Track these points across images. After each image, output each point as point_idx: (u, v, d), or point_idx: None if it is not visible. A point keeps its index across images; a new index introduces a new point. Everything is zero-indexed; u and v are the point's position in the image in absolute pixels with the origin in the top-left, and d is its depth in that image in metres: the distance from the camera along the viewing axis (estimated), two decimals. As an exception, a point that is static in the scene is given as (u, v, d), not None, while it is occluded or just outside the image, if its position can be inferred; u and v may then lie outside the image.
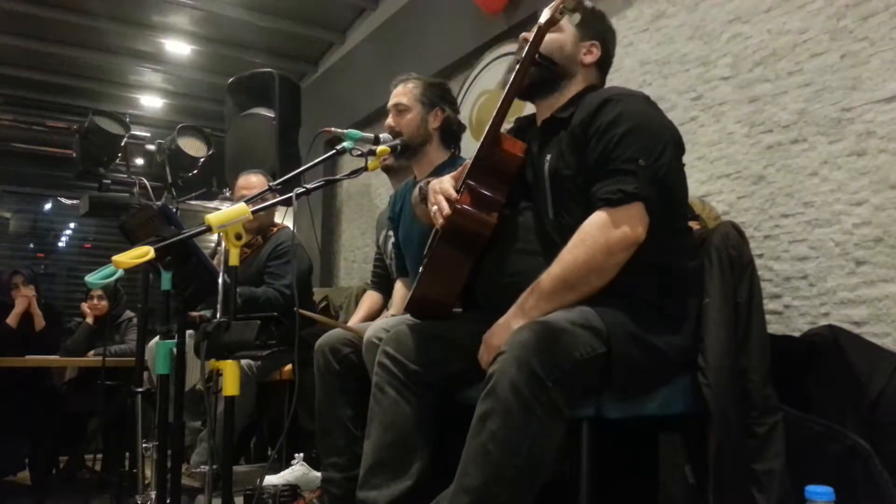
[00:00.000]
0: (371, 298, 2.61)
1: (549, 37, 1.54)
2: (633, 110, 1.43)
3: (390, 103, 2.21)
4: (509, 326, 1.35)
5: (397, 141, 2.09)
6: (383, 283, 2.60)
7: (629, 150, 1.38)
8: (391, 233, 2.54)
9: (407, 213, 2.21)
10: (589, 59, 1.59)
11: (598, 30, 1.61)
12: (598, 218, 1.37)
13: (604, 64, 1.64)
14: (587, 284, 1.37)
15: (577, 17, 1.55)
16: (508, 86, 1.50)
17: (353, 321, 2.54)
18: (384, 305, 2.58)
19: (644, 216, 1.37)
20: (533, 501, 1.25)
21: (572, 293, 1.37)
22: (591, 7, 1.63)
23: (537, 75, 1.55)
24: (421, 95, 2.16)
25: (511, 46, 3.08)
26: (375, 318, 2.47)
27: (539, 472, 1.25)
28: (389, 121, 2.18)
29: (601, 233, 1.35)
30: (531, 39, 1.47)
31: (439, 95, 2.19)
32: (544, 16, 1.44)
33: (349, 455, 1.93)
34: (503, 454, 1.21)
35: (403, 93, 2.18)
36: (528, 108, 1.70)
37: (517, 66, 1.50)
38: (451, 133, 2.22)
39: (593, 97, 1.49)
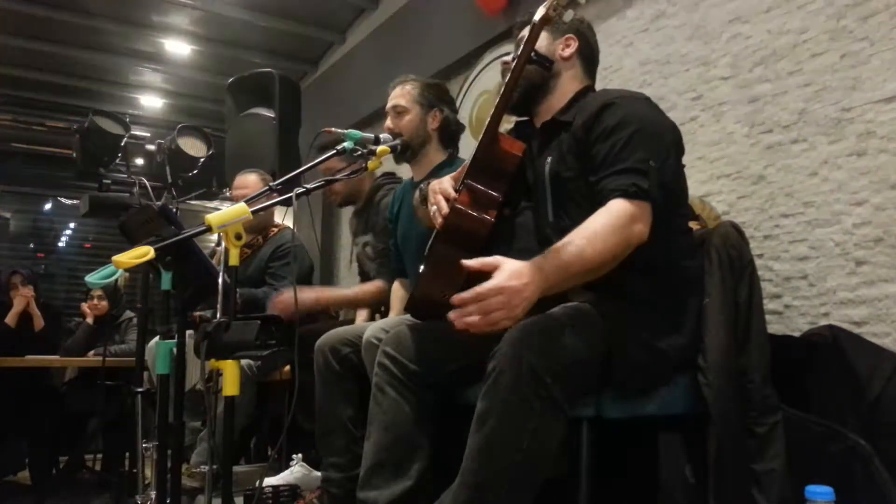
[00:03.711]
0: None
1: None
2: (637, 113, 1.43)
3: (388, 105, 2.21)
4: (528, 294, 1.21)
5: (397, 141, 2.09)
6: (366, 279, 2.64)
7: (638, 151, 1.37)
8: (359, 238, 2.61)
9: (406, 214, 2.21)
10: (568, 51, 1.58)
11: (567, 24, 1.58)
12: (623, 206, 1.32)
13: (587, 55, 1.62)
14: (603, 271, 1.32)
15: (570, 13, 1.54)
16: (505, 84, 1.50)
17: (359, 319, 2.56)
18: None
19: (650, 217, 1.36)
20: (533, 497, 1.25)
21: (592, 276, 1.32)
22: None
23: (525, 82, 1.54)
24: (419, 97, 2.17)
25: (511, 47, 3.08)
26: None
27: (539, 469, 1.25)
28: (388, 123, 2.18)
29: (628, 224, 1.31)
30: (526, 37, 1.47)
31: (437, 96, 2.19)
32: (539, 13, 1.44)
33: (349, 455, 1.93)
34: (503, 450, 1.22)
35: (402, 94, 2.18)
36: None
37: (513, 65, 1.50)
38: (449, 133, 2.23)
39: (594, 99, 1.49)
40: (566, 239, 1.29)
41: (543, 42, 1.56)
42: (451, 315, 1.17)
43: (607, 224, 1.31)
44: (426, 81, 2.25)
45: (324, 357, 2.00)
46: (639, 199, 1.33)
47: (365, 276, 2.70)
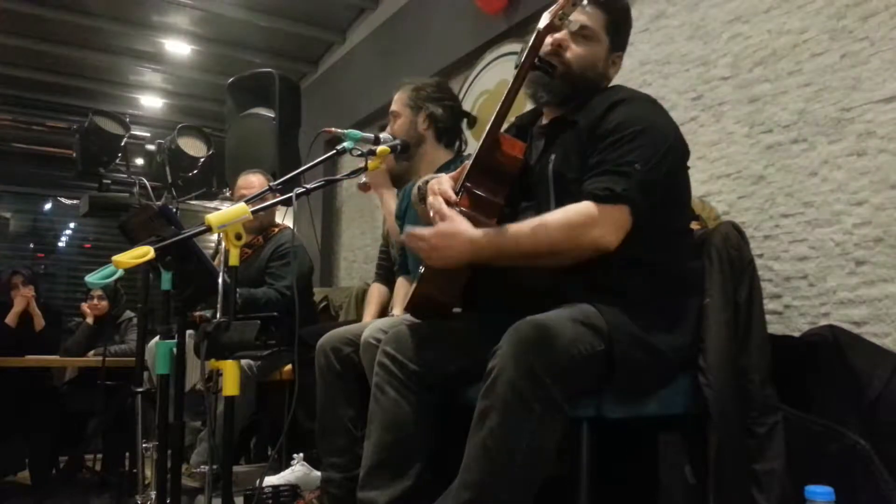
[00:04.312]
0: (379, 291, 2.66)
1: (584, 49, 1.53)
2: (638, 115, 1.43)
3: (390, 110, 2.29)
4: (451, 254, 1.40)
5: (397, 141, 2.10)
6: (388, 276, 2.66)
7: (629, 154, 1.38)
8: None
9: (412, 213, 2.22)
10: (613, 71, 1.61)
11: (626, 36, 1.61)
12: (586, 208, 1.36)
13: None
14: (544, 261, 1.39)
15: (576, 23, 1.54)
16: (508, 89, 1.49)
17: (367, 316, 2.56)
18: (391, 297, 2.61)
19: (626, 220, 1.36)
20: (533, 497, 1.25)
21: (531, 262, 1.40)
22: (620, 6, 1.59)
23: (567, 89, 1.53)
24: (408, 100, 2.24)
25: (511, 46, 3.08)
26: (387, 310, 2.55)
27: (539, 469, 1.25)
28: (388, 128, 2.26)
29: (583, 228, 1.34)
30: (530, 43, 1.47)
31: (425, 97, 2.25)
32: (543, 20, 1.44)
33: (350, 455, 1.93)
34: (502, 450, 1.22)
35: (397, 99, 2.27)
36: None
37: (517, 71, 1.50)
38: (444, 130, 2.25)
39: (601, 99, 1.49)
40: (521, 222, 1.38)
41: (604, 52, 1.56)
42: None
43: (556, 219, 1.37)
44: (417, 84, 2.30)
45: (325, 357, 2.00)
46: (608, 202, 1.35)
47: (386, 259, 2.71)
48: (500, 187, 1.52)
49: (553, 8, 1.42)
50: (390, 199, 2.46)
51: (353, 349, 1.96)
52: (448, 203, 1.50)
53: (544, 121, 1.64)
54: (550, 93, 1.54)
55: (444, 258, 1.41)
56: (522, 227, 1.38)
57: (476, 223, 1.48)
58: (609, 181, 1.36)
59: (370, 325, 1.88)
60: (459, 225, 1.40)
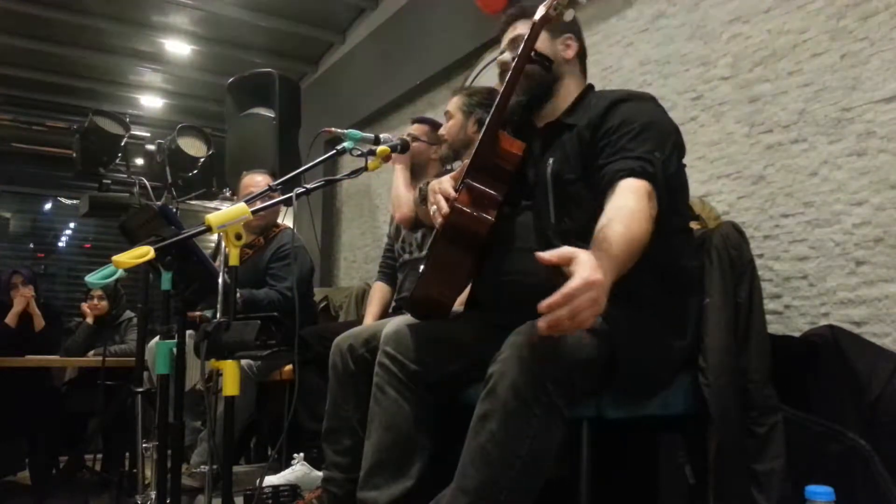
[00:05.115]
0: (382, 290, 2.67)
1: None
2: (644, 110, 1.44)
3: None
4: (608, 285, 1.08)
5: (397, 140, 2.10)
6: (393, 274, 2.67)
7: (645, 144, 1.37)
8: None
9: None
10: (570, 53, 1.59)
11: (565, 24, 1.57)
12: (640, 185, 1.30)
13: (583, 56, 1.64)
14: (639, 255, 1.24)
15: (570, 13, 1.53)
16: (505, 84, 1.50)
17: (369, 317, 2.57)
18: (393, 296, 2.62)
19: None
20: (533, 502, 1.25)
21: (633, 261, 1.23)
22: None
23: (528, 85, 1.53)
24: (462, 105, 2.38)
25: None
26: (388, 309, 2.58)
27: (539, 473, 1.24)
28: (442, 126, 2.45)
29: (649, 201, 1.29)
30: (527, 36, 1.47)
31: (476, 103, 2.37)
32: (539, 12, 1.44)
33: (354, 456, 1.92)
34: (503, 455, 1.21)
35: (452, 102, 2.42)
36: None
37: (513, 64, 1.49)
38: None
39: (599, 99, 1.49)
40: (604, 223, 1.21)
41: (543, 43, 1.55)
42: (542, 323, 1.03)
43: (638, 203, 1.26)
44: (471, 90, 2.44)
45: (341, 356, 1.98)
46: (646, 178, 1.32)
47: (392, 258, 2.72)
48: (499, 184, 1.52)
49: (548, 1, 1.42)
50: (401, 175, 2.53)
51: (367, 349, 1.96)
52: (447, 200, 1.51)
53: (539, 124, 1.64)
54: (521, 91, 1.53)
55: (601, 298, 1.05)
56: (617, 229, 1.20)
57: (474, 218, 1.48)
58: (640, 163, 1.34)
59: (391, 323, 1.88)
60: (583, 253, 1.07)
